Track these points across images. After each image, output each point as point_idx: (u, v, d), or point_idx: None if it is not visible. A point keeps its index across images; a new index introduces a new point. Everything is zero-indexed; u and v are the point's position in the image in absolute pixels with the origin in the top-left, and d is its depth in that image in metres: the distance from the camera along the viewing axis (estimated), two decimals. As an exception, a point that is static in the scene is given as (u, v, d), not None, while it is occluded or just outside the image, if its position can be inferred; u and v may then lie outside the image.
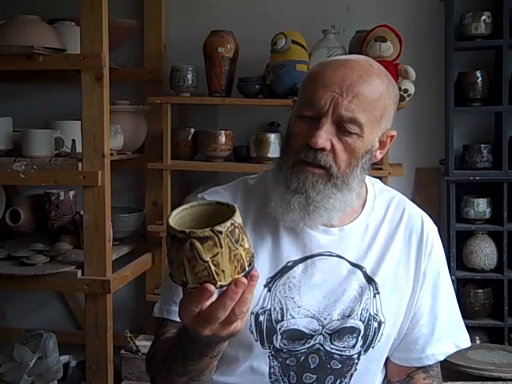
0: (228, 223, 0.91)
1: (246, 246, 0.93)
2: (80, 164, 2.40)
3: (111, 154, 2.55)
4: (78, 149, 2.44)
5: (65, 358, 2.89)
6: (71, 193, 2.86)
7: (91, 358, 2.49)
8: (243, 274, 0.93)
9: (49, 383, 2.66)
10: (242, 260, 0.93)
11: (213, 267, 0.91)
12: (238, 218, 0.93)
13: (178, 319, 1.08)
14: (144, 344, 2.89)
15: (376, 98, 1.21)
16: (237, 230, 0.92)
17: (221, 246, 0.90)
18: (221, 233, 0.90)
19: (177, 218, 0.97)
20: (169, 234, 0.95)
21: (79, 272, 2.47)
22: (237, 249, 0.92)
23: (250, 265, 0.94)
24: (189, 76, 2.88)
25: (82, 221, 2.45)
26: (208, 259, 0.90)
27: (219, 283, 0.92)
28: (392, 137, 1.30)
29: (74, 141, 2.47)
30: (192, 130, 2.97)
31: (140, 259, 2.93)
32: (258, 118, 3.03)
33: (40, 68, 2.49)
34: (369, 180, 1.39)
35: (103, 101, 2.37)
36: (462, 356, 2.41)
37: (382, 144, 1.29)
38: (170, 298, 1.31)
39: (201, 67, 2.90)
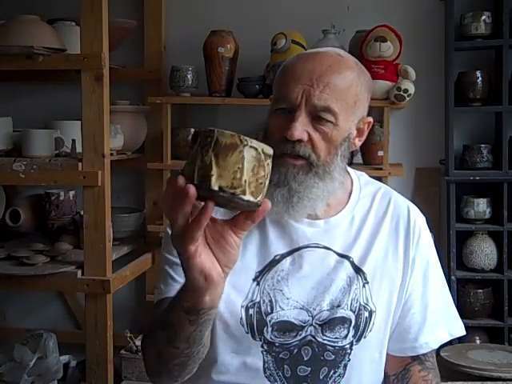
0: (208, 128, 0.93)
1: (206, 161, 0.92)
2: (80, 164, 2.40)
3: (111, 154, 2.56)
4: (78, 149, 2.44)
5: (65, 358, 2.90)
6: (71, 193, 2.87)
7: (91, 358, 2.49)
8: (188, 182, 0.92)
9: (49, 383, 2.66)
10: (193, 167, 0.92)
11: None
12: (222, 136, 0.92)
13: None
14: (144, 344, 2.89)
15: (347, 86, 1.24)
16: (208, 140, 0.92)
17: (194, 142, 0.97)
18: (199, 132, 0.95)
19: None
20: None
21: (79, 272, 2.47)
22: (197, 152, 0.93)
23: (198, 181, 0.92)
24: (189, 76, 2.88)
25: (82, 221, 2.45)
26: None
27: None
28: (369, 123, 1.33)
29: (73, 141, 2.47)
30: (192, 130, 2.97)
31: (140, 259, 2.93)
32: (257, 118, 3.03)
33: (40, 68, 2.49)
34: (354, 173, 1.41)
35: (103, 101, 2.37)
36: (462, 356, 2.41)
37: (359, 131, 1.31)
38: (167, 277, 1.30)
39: (201, 67, 2.90)
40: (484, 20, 2.83)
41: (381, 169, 2.75)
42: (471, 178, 2.86)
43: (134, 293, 3.25)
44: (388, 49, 2.71)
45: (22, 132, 2.55)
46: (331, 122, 1.23)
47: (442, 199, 2.99)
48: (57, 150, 2.55)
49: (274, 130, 1.26)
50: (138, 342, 2.90)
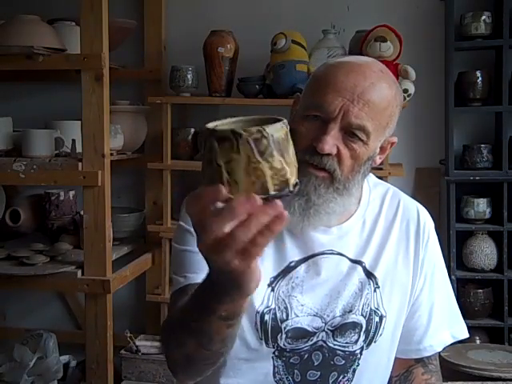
0: (254, 129, 0.77)
1: (277, 165, 0.78)
2: (80, 164, 2.40)
3: (111, 154, 2.56)
4: (78, 149, 2.45)
5: (65, 358, 2.89)
6: (71, 193, 2.86)
7: (91, 358, 2.49)
8: (264, 196, 0.77)
9: (49, 383, 2.66)
10: (264, 179, 0.78)
11: (225, 174, 0.77)
12: (274, 130, 0.78)
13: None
14: (144, 344, 2.89)
15: (385, 107, 1.21)
16: (265, 142, 0.77)
17: (238, 152, 0.76)
18: (240, 136, 0.76)
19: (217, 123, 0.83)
20: (204, 134, 0.80)
21: (79, 272, 2.47)
22: (259, 162, 0.77)
23: (277, 190, 0.79)
24: (189, 76, 2.88)
25: (82, 221, 2.45)
26: (221, 164, 0.77)
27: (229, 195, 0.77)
28: (393, 143, 1.31)
29: (73, 141, 2.47)
30: (192, 130, 2.97)
31: (140, 259, 2.93)
32: (257, 118, 3.03)
33: (40, 68, 2.49)
34: None
35: (103, 101, 2.37)
36: (462, 356, 2.41)
37: (382, 149, 1.29)
38: (185, 267, 1.25)
39: (201, 67, 2.90)
40: (484, 20, 2.83)
41: (381, 169, 2.75)
42: (471, 177, 2.86)
43: (133, 293, 3.25)
44: (388, 49, 2.71)
45: (22, 132, 2.55)
46: (362, 141, 1.20)
47: (442, 199, 2.99)
48: (57, 150, 2.55)
49: (302, 137, 1.21)
50: (138, 342, 2.90)
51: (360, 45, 2.77)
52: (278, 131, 0.79)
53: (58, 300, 3.35)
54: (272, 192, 0.78)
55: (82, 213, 2.49)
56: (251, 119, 0.86)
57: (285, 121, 0.82)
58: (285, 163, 0.79)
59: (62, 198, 2.82)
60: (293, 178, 0.81)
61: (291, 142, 0.82)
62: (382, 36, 2.71)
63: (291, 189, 0.80)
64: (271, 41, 2.79)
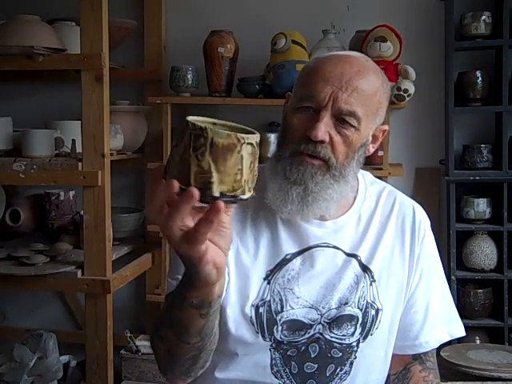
0: (199, 125, 0.83)
1: (204, 166, 0.83)
2: (80, 164, 2.40)
3: (111, 154, 2.56)
4: (78, 149, 2.45)
5: (65, 358, 2.90)
6: (71, 193, 2.87)
7: (91, 358, 2.49)
8: (183, 185, 0.84)
9: (49, 383, 2.66)
10: (189, 172, 0.84)
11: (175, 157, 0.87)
12: (219, 136, 0.83)
13: None
14: (144, 344, 2.89)
15: (373, 93, 1.26)
16: (202, 141, 0.83)
17: (181, 141, 0.85)
18: (187, 126, 0.84)
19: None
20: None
21: (79, 272, 2.47)
22: (189, 156, 0.83)
23: (198, 188, 0.83)
24: (189, 76, 2.88)
25: (82, 221, 2.45)
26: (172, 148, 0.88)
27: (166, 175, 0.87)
28: (384, 131, 1.35)
29: (73, 141, 2.47)
30: (192, 130, 2.97)
31: (140, 259, 2.93)
32: (258, 118, 3.03)
33: (40, 68, 2.49)
34: (359, 172, 1.41)
35: (103, 101, 2.37)
36: (462, 356, 2.41)
37: (374, 138, 1.33)
38: (178, 269, 1.26)
39: (201, 67, 2.90)
40: (484, 20, 2.83)
41: (381, 169, 2.75)
42: (471, 178, 2.86)
43: (134, 293, 3.25)
44: (388, 49, 2.71)
45: (22, 132, 2.55)
46: (354, 127, 1.24)
47: (442, 199, 2.99)
48: (57, 150, 2.55)
49: (295, 128, 1.26)
50: (138, 342, 2.90)
51: (360, 45, 2.77)
52: (222, 138, 0.83)
53: (58, 300, 3.35)
54: (192, 183, 0.84)
55: (81, 213, 2.49)
56: (236, 126, 0.90)
57: (245, 136, 0.85)
58: (214, 168, 0.83)
59: (62, 197, 2.82)
60: (223, 187, 0.85)
61: (241, 157, 0.85)
62: (382, 36, 2.71)
63: (214, 194, 0.84)
64: (271, 41, 2.79)
